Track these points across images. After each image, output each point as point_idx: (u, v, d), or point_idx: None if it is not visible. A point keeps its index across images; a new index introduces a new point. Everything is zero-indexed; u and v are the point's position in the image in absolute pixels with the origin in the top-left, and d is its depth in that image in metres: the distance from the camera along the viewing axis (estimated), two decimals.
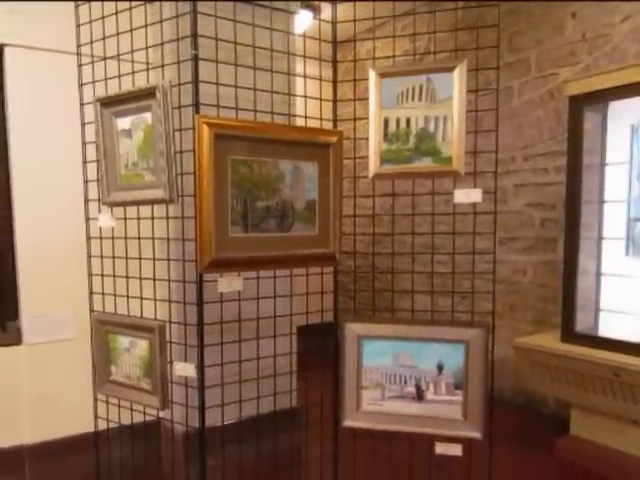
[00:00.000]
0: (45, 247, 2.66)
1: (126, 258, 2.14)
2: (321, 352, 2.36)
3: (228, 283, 1.95)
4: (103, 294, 2.19)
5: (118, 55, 2.07)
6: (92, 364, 2.17)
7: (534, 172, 3.51)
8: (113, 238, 2.15)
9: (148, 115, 1.90)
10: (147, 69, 2.04)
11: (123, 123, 1.97)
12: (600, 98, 2.71)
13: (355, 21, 2.17)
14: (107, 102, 1.98)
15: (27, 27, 2.56)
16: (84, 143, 2.18)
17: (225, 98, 2.00)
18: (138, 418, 2.16)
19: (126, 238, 2.13)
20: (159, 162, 1.88)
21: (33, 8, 2.54)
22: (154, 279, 2.10)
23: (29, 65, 2.60)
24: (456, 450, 2.01)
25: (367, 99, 2.02)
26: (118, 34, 2.06)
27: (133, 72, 2.05)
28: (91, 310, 2.19)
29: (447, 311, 2.15)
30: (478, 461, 2.05)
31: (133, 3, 2.06)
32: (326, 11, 2.25)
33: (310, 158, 1.99)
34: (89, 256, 2.21)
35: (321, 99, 2.19)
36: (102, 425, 2.22)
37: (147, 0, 2.07)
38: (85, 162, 2.19)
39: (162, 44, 2.01)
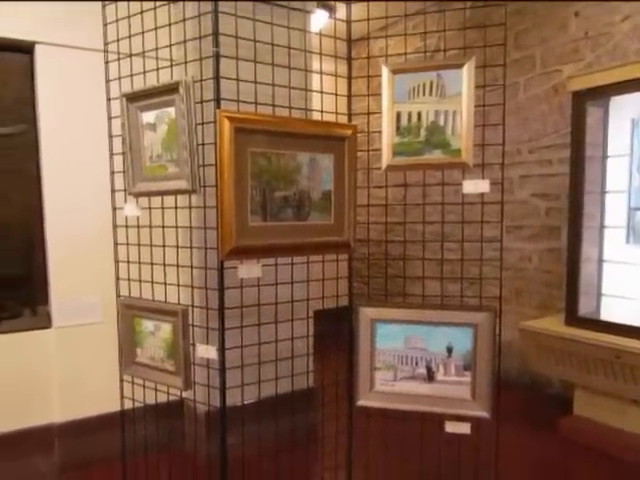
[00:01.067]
0: (74, 235, 2.67)
1: (151, 246, 2.16)
2: (336, 335, 2.38)
3: (248, 269, 1.97)
4: (129, 280, 2.23)
5: (143, 52, 2.09)
6: (118, 346, 2.20)
7: (539, 164, 3.56)
8: (138, 227, 2.17)
9: (172, 109, 1.92)
10: (171, 66, 2.06)
11: (148, 117, 1.99)
12: (602, 93, 2.77)
13: (369, 20, 2.19)
14: (133, 97, 2.00)
15: (56, 26, 2.57)
16: (111, 136, 2.21)
17: (245, 93, 2.04)
18: (162, 398, 2.20)
19: (151, 227, 2.16)
20: (182, 154, 1.90)
21: (62, 8, 2.57)
22: (177, 266, 2.14)
23: (58, 62, 2.61)
24: (465, 428, 2.06)
25: (380, 94, 2.05)
26: (143, 32, 2.08)
27: (157, 68, 2.08)
28: (117, 295, 2.22)
29: (456, 296, 2.17)
30: (486, 439, 2.09)
31: (157, 3, 2.09)
32: (341, 10, 2.25)
33: (326, 150, 2.01)
34: (116, 244, 2.23)
35: (336, 94, 2.21)
36: (128, 405, 2.23)
37: (171, 0, 2.11)
38: (112, 154, 2.22)
39: (185, 42, 2.05)
